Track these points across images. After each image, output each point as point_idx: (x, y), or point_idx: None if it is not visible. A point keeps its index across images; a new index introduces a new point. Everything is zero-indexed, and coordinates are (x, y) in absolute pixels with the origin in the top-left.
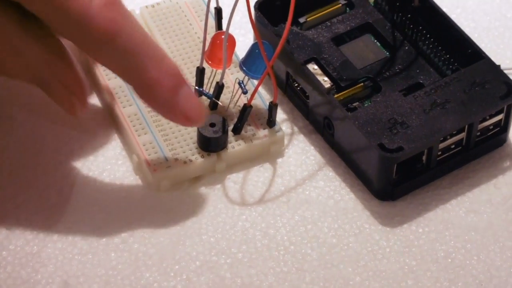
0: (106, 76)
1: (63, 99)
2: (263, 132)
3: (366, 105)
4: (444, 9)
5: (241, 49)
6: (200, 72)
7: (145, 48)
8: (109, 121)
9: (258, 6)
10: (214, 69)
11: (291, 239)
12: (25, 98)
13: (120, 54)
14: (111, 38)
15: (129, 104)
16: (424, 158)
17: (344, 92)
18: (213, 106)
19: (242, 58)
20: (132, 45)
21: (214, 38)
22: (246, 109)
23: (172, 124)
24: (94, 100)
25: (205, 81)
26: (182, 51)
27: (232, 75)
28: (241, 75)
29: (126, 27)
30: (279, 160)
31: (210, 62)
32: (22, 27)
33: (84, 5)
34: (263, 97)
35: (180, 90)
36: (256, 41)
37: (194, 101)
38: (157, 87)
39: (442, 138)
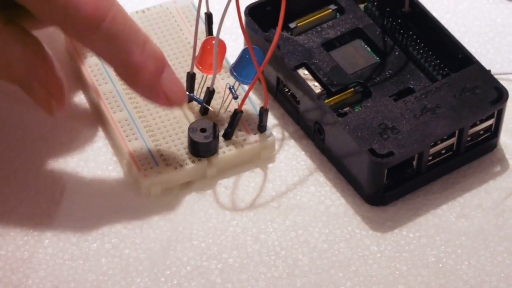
0: (97, 82)
1: (42, 100)
2: (254, 137)
3: (356, 110)
4: (434, 14)
5: (232, 54)
6: (191, 77)
7: (129, 32)
8: (99, 126)
9: (248, 12)
10: (205, 75)
11: (282, 244)
12: (16, 104)
13: (105, 39)
14: (96, 23)
15: (119, 109)
16: (414, 163)
17: (335, 97)
18: (204, 111)
19: (232, 64)
20: (116, 30)
21: (204, 43)
22: (237, 114)
23: (163, 129)
24: (85, 105)
25: (196, 86)
26: (173, 56)
27: (223, 81)
28: (231, 80)
29: (111, 12)
30: (270, 165)
31: (200, 67)
32: (4, 27)
33: None
34: (253, 102)
35: (163, 74)
36: (246, 46)
37: (176, 84)
38: (141, 71)
39: (432, 143)
